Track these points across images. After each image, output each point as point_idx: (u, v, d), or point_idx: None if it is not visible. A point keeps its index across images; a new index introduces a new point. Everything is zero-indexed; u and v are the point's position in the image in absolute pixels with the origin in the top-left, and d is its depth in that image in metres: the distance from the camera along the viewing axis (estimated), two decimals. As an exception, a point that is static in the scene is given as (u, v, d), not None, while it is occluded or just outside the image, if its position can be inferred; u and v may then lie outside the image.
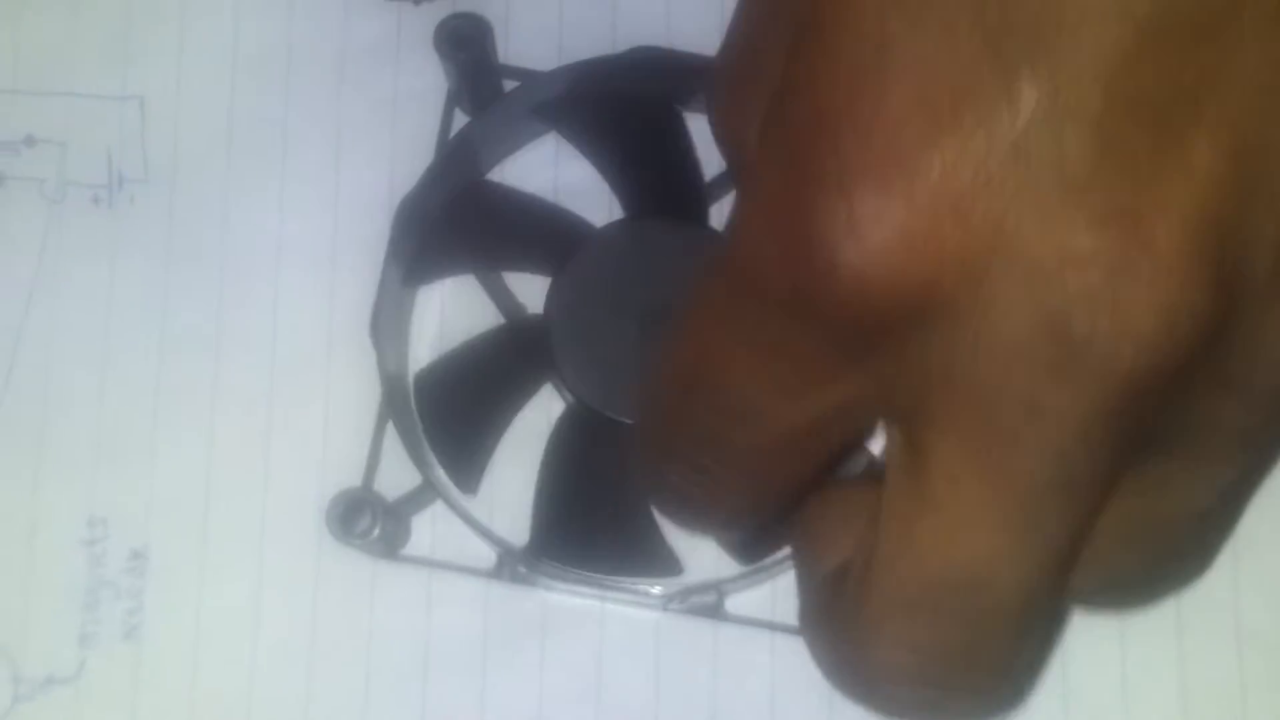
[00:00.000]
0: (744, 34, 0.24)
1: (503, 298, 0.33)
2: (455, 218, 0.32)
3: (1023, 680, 0.24)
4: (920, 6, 0.19)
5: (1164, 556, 0.24)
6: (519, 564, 0.31)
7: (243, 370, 0.33)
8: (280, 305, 0.33)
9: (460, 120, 0.34)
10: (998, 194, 0.19)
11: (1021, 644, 0.23)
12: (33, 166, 0.34)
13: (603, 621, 0.32)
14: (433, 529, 0.32)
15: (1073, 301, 0.19)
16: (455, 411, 0.32)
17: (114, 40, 0.34)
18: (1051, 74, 0.18)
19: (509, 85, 0.33)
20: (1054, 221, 0.19)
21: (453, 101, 0.34)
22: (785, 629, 0.32)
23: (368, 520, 0.30)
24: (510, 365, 0.32)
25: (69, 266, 0.34)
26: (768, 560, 0.31)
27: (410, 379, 0.32)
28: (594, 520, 0.31)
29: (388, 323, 0.32)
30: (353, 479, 0.32)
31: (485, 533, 0.31)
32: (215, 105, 0.34)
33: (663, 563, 0.31)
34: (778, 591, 0.32)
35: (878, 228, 0.19)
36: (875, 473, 0.24)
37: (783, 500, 0.25)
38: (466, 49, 0.32)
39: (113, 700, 0.32)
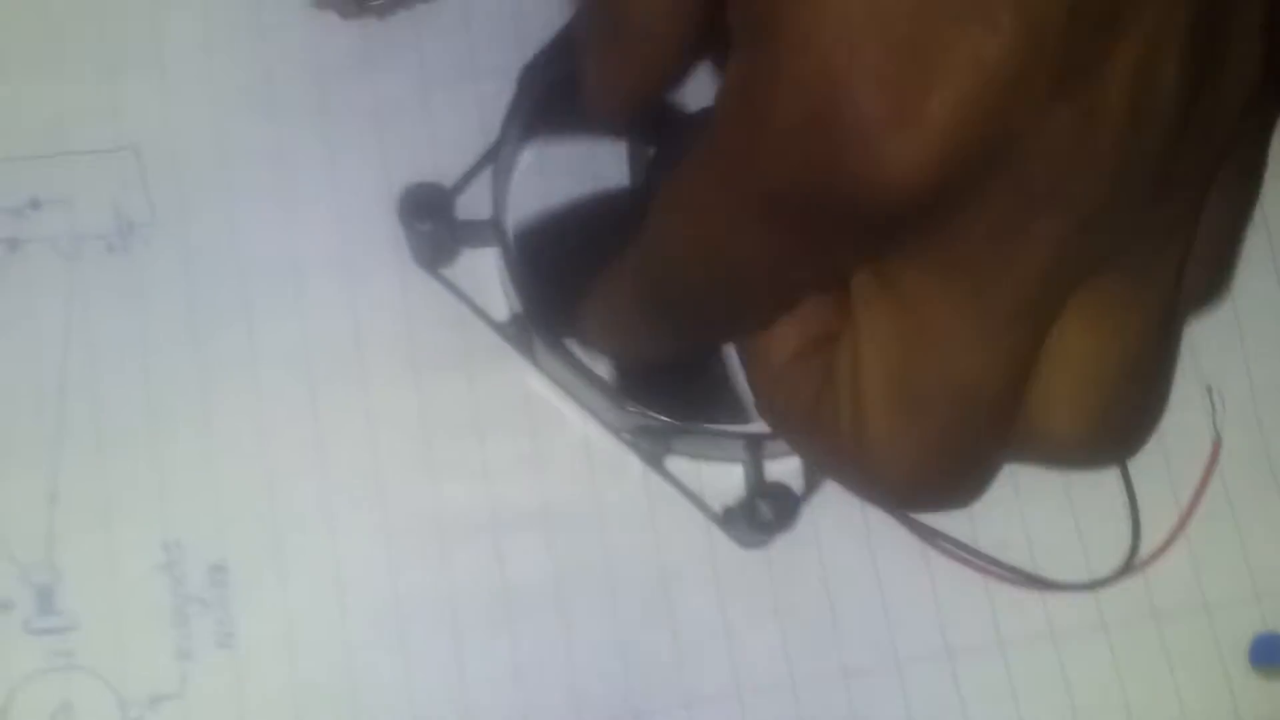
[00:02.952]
0: None
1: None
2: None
3: (992, 473, 0.29)
4: None
5: (1123, 386, 0.28)
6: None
7: (283, 382, 0.37)
8: (308, 314, 0.37)
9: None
10: (992, 112, 0.23)
11: (993, 437, 0.27)
12: (43, 227, 0.37)
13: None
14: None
15: (1036, 161, 0.23)
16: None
17: (100, 96, 0.38)
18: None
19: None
20: (1028, 107, 0.23)
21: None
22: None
23: None
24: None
25: (98, 314, 0.37)
26: None
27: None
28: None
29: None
30: (410, 455, 0.36)
31: None
32: (206, 140, 0.38)
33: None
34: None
35: (897, 161, 0.23)
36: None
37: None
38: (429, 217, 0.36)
39: (219, 705, 0.35)
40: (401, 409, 0.37)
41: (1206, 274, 0.29)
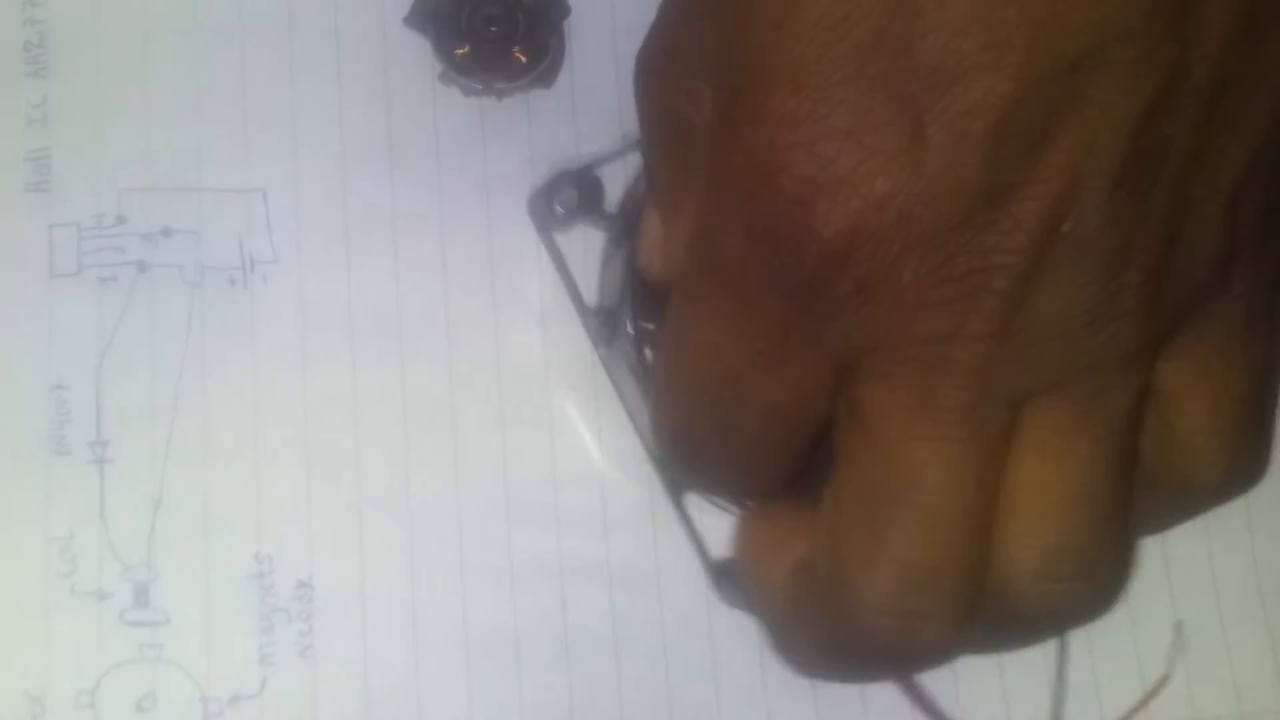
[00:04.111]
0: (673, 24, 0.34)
1: None
2: None
3: (969, 615, 0.31)
4: (845, 70, 0.28)
5: (1082, 517, 0.31)
6: None
7: (378, 422, 0.41)
8: (407, 363, 0.42)
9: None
10: (914, 198, 0.28)
11: (969, 573, 0.31)
12: (172, 254, 0.41)
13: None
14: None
15: (955, 253, 0.28)
16: None
17: (234, 140, 0.42)
18: (950, 119, 0.28)
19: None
20: (945, 209, 0.28)
21: None
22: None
23: None
24: None
25: (214, 340, 0.41)
26: None
27: None
28: None
29: None
30: (489, 502, 0.40)
31: None
32: (329, 192, 0.42)
33: None
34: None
35: (827, 226, 0.29)
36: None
37: (781, 475, 0.34)
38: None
39: (294, 711, 0.39)
40: (486, 458, 0.41)
41: (1221, 447, 0.32)
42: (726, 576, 0.40)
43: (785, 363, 0.31)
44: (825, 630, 0.33)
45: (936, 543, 0.31)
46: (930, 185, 0.28)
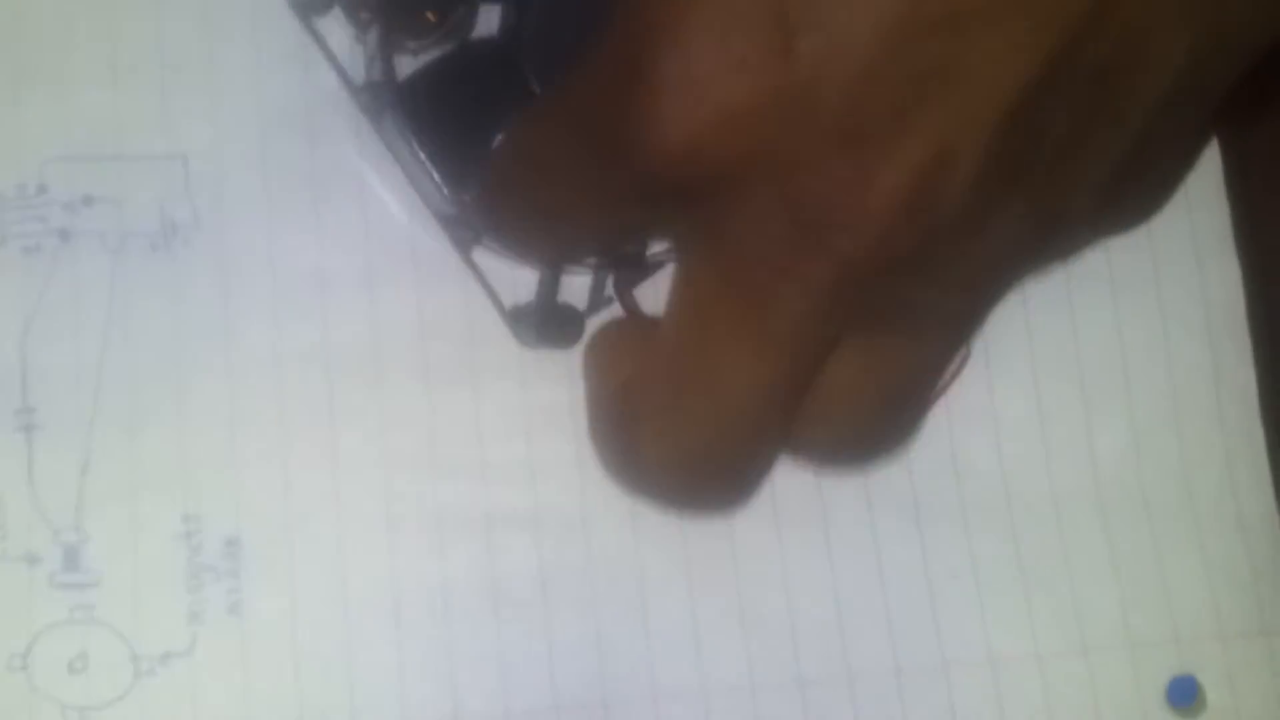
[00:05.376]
0: None
1: None
2: None
3: (750, 484, 0.34)
4: None
5: (879, 416, 0.34)
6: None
7: (303, 380, 0.42)
8: (330, 321, 0.43)
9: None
10: (769, 118, 0.28)
11: (750, 449, 0.33)
12: (93, 222, 0.42)
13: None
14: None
15: (811, 198, 0.29)
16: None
17: (152, 107, 0.43)
18: (821, 42, 0.28)
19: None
20: (809, 143, 0.28)
21: None
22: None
23: None
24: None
25: (138, 306, 0.42)
26: None
27: None
28: None
29: None
30: (415, 455, 0.41)
31: None
32: (249, 155, 0.43)
33: None
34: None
35: (676, 128, 0.29)
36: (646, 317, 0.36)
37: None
38: None
39: (224, 667, 0.40)
40: (411, 412, 0.42)
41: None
42: (521, 320, 0.41)
43: (615, 213, 0.33)
44: (620, 465, 0.36)
45: (729, 448, 0.33)
46: (789, 111, 0.28)
